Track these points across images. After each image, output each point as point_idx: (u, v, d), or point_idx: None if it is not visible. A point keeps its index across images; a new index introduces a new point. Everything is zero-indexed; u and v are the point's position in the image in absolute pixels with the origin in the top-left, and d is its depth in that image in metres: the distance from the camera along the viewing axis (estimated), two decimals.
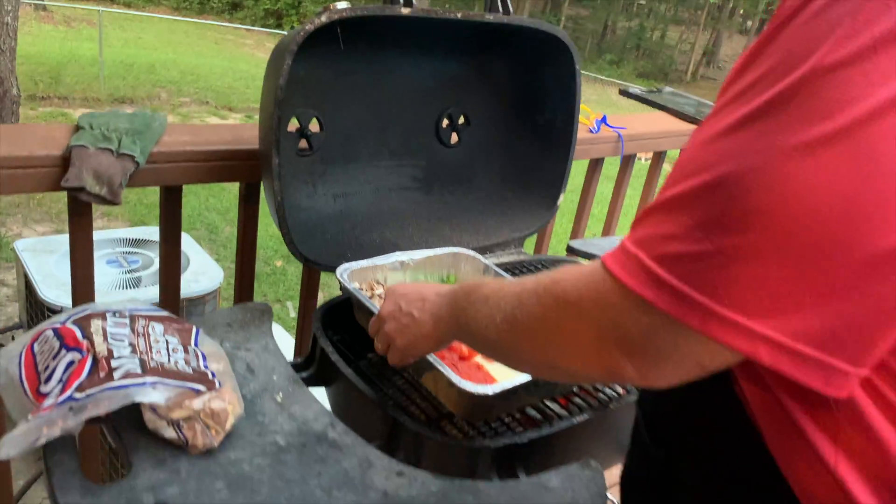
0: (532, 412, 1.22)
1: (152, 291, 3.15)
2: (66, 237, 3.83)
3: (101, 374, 0.87)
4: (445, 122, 1.72)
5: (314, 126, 1.51)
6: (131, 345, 0.95)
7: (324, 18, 1.21)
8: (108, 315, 0.99)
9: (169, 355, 0.96)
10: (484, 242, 1.67)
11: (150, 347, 0.96)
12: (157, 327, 1.01)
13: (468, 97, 1.73)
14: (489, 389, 1.04)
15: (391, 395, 1.23)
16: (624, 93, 2.70)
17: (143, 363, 0.90)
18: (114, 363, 0.88)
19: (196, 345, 1.04)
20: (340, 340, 1.31)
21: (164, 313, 1.07)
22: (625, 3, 32.62)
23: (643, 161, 3.28)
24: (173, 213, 1.55)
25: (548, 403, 1.23)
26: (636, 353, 0.61)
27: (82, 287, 1.47)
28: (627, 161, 2.40)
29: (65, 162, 1.29)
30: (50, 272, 3.21)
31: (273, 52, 1.29)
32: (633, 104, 2.80)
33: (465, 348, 1.23)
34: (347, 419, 1.30)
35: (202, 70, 13.06)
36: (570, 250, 1.79)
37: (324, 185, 1.54)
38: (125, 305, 1.05)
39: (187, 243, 3.99)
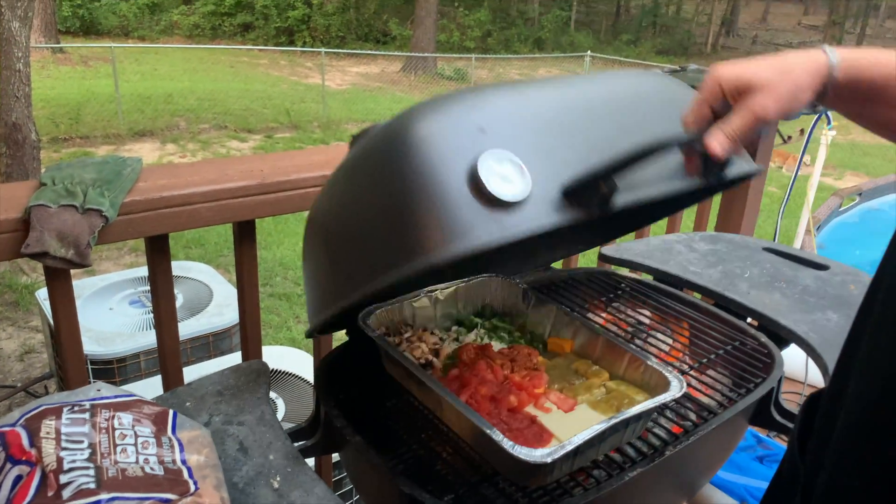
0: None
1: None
2: (87, 281, 3.74)
3: (50, 493, 0.72)
4: None
5: None
6: (90, 446, 0.80)
7: None
8: (64, 411, 0.84)
9: (137, 453, 0.81)
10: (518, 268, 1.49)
11: (114, 446, 0.81)
12: (125, 418, 0.86)
13: None
14: (548, 455, 0.86)
15: (417, 457, 1.06)
16: None
17: (99, 472, 0.75)
18: (63, 478, 0.73)
19: (173, 431, 0.89)
20: (350, 398, 1.15)
21: (135, 397, 0.92)
22: None
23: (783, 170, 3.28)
24: (161, 264, 1.41)
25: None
26: None
27: (74, 367, 1.33)
28: None
29: (26, 225, 1.15)
30: None
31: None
32: None
33: (514, 399, 1.05)
34: (362, 492, 1.14)
35: (219, 95, 13.08)
36: (603, 258, 1.61)
37: None
38: (88, 393, 0.90)
39: (209, 275, 3.89)
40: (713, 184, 0.98)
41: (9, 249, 1.14)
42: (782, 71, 0.82)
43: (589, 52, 18.26)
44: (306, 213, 1.08)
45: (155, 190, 1.29)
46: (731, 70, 0.84)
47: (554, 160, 0.84)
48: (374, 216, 0.86)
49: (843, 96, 0.83)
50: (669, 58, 24.34)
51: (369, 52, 19.41)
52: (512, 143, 0.82)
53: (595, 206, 0.84)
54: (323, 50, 15.29)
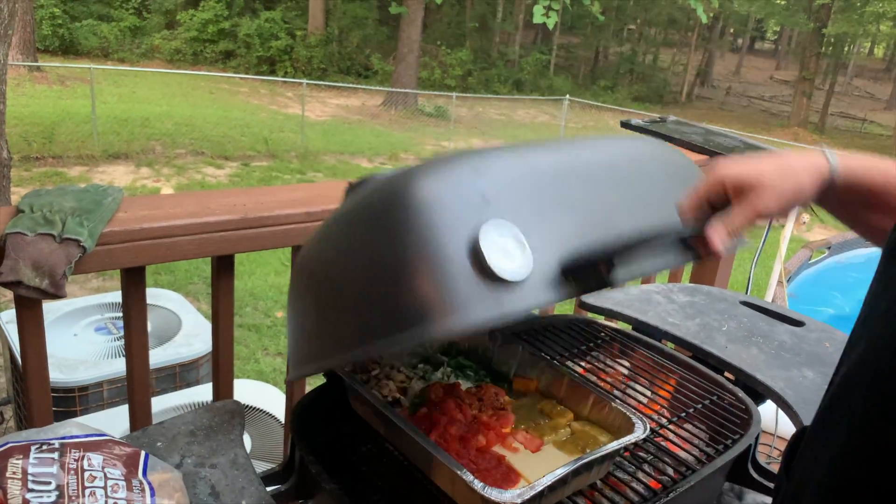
0: None
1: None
2: (51, 305, 3.65)
3: None
4: None
5: None
6: (58, 488, 0.77)
7: None
8: (32, 450, 0.81)
9: (107, 497, 0.79)
10: None
11: (83, 489, 0.78)
12: (95, 459, 0.83)
13: None
14: (517, 496, 0.87)
15: None
16: (625, 124, 2.54)
17: None
18: None
19: (144, 474, 0.86)
20: (326, 442, 1.12)
21: (106, 437, 0.90)
22: (615, 30, 32.71)
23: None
24: (136, 296, 1.38)
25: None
26: None
27: (39, 399, 1.29)
28: None
29: (0, 252, 1.12)
30: None
31: None
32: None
33: (482, 438, 1.05)
34: None
35: (197, 121, 13.01)
36: (582, 306, 1.61)
37: None
38: (58, 431, 0.87)
39: (178, 304, 3.82)
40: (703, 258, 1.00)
41: None
42: (784, 172, 0.84)
43: (568, 95, 18.58)
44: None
45: (135, 221, 1.27)
46: (734, 169, 0.85)
47: (554, 233, 0.83)
48: (370, 276, 0.82)
49: (841, 199, 0.86)
50: (645, 105, 24.86)
51: (351, 85, 19.53)
52: (513, 214, 0.80)
53: (592, 283, 0.84)
54: (304, 81, 15.35)
